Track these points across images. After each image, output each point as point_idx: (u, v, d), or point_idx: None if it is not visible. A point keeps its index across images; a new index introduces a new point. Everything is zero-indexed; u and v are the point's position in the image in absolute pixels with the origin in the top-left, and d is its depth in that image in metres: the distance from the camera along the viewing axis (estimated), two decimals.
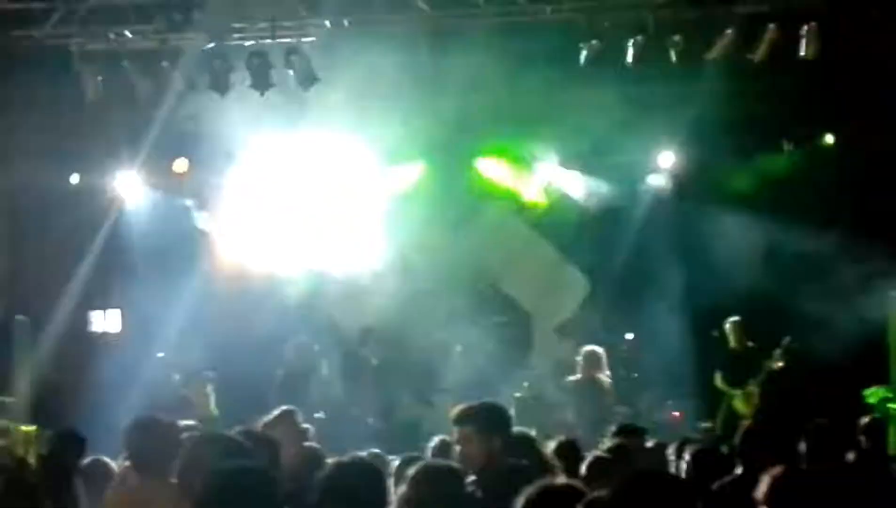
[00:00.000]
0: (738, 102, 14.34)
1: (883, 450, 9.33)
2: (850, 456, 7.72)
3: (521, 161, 16.23)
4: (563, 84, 13.95)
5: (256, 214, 15.98)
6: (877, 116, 14.49)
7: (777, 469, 4.41)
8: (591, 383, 13.87)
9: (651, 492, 3.78)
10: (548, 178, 16.31)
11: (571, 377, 14.13)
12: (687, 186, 15.65)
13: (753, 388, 14.21)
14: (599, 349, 14.02)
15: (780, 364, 14.08)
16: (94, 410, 12.30)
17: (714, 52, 13.45)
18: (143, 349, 15.09)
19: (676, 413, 14.74)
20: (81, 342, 16.17)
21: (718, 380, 14.49)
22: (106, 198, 16.12)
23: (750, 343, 14.39)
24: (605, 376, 13.99)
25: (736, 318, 14.48)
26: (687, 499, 3.81)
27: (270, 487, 4.51)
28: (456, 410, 6.37)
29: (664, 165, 15.94)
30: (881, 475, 6.16)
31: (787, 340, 13.96)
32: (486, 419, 6.29)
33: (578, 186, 16.28)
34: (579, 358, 14.06)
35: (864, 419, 9.35)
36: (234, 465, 4.69)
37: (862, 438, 8.77)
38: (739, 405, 14.30)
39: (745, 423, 9.51)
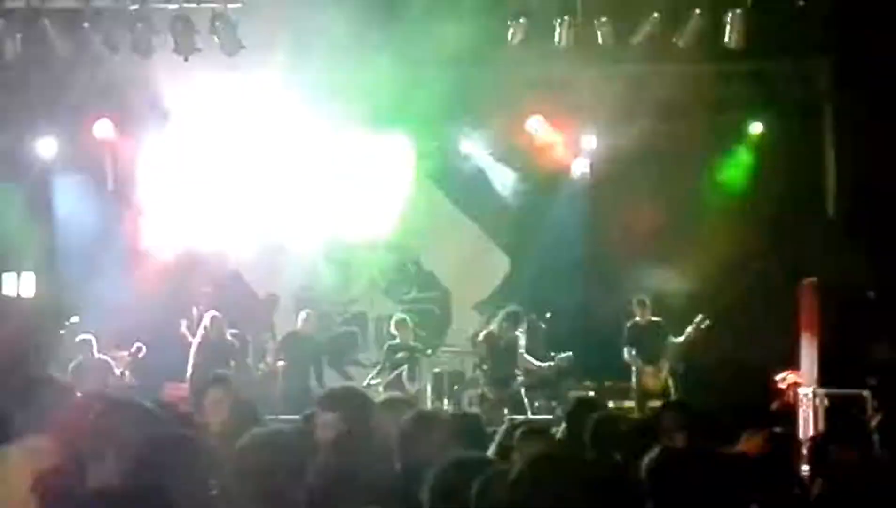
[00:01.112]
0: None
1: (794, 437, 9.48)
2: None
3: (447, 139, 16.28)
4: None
5: (184, 179, 15.74)
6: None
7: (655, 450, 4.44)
8: (502, 339, 13.86)
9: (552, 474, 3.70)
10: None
11: (484, 331, 14.14)
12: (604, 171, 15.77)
13: (663, 364, 14.34)
14: (519, 309, 14.03)
15: (691, 341, 14.20)
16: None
17: (639, 37, 13.56)
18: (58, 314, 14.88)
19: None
20: None
21: (626, 355, 14.59)
22: (26, 161, 15.80)
23: (655, 319, 14.52)
24: (519, 333, 13.96)
25: (641, 296, 14.61)
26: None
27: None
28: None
29: (587, 147, 16.04)
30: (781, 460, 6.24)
31: (699, 318, 14.09)
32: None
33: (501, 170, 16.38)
34: (498, 316, 14.06)
35: (775, 405, 9.54)
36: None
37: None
38: (649, 381, 14.41)
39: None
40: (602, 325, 14.87)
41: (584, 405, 7.95)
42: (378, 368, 14.88)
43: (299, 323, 15.12)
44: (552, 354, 14.20)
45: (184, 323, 14.91)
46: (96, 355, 13.77)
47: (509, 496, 3.63)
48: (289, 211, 16.09)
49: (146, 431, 4.77)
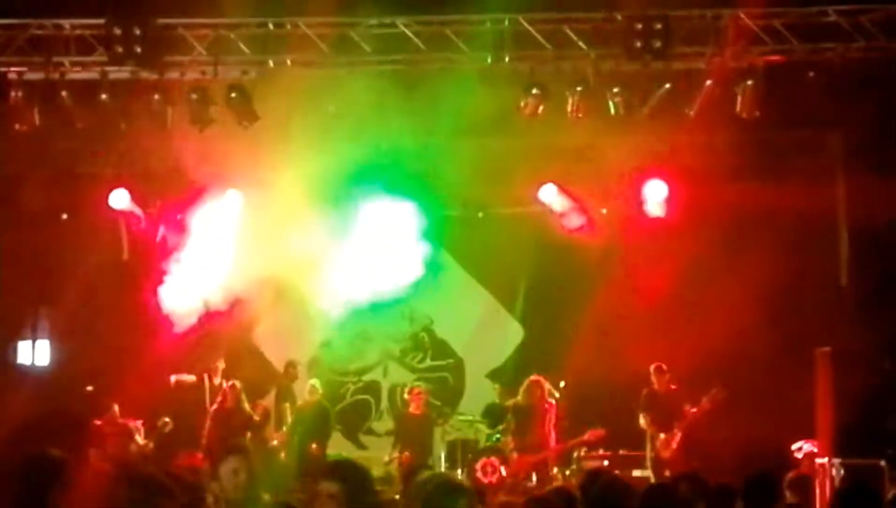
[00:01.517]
0: None
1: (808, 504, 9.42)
2: None
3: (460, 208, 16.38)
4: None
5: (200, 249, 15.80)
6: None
7: None
8: (530, 408, 13.96)
9: None
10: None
11: (511, 401, 14.23)
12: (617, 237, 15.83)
13: (677, 433, 14.27)
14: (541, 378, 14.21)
15: (706, 411, 14.14)
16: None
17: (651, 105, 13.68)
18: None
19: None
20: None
21: (642, 421, 14.53)
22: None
23: (673, 387, 14.47)
24: (548, 403, 14.15)
25: (660, 363, 14.57)
26: None
27: None
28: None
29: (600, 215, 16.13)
30: None
31: (715, 389, 14.05)
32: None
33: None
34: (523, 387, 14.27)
35: (791, 475, 9.49)
36: None
37: (788, 493, 8.87)
38: (663, 450, 14.34)
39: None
40: (615, 393, 14.81)
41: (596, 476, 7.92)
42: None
43: (306, 394, 15.17)
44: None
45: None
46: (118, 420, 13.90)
47: None
48: (304, 279, 16.15)
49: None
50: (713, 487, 7.31)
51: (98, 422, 14.17)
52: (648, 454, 14.42)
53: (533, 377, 14.54)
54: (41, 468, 5.73)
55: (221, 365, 15.28)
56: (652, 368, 14.53)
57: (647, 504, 6.21)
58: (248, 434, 14.18)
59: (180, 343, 15.33)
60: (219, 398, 14.58)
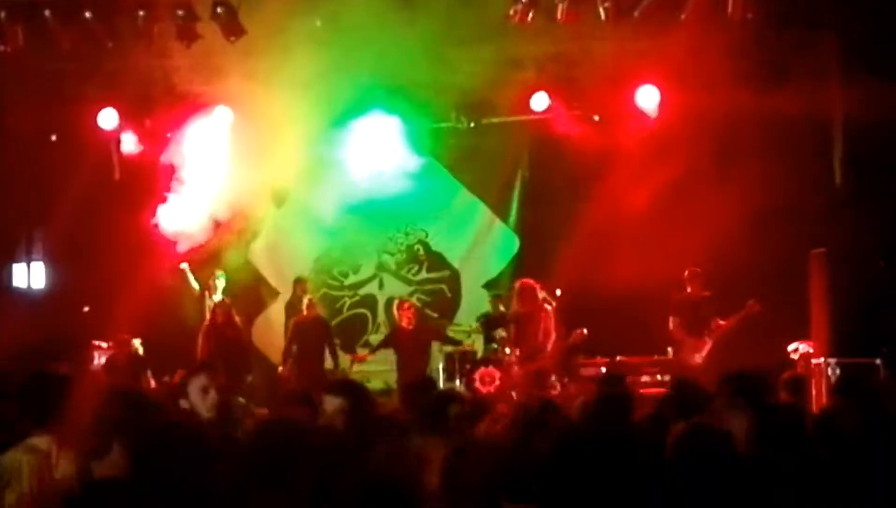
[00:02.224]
0: None
1: (803, 404, 9.48)
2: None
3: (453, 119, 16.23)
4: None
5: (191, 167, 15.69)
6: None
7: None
8: (526, 315, 14.06)
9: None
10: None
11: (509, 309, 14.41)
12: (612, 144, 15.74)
13: (707, 341, 14.31)
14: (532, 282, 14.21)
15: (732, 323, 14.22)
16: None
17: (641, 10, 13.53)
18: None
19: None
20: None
21: (671, 325, 14.59)
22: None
23: (706, 293, 14.51)
24: (544, 309, 14.20)
25: (696, 267, 14.58)
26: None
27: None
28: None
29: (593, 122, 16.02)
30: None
31: (749, 303, 14.10)
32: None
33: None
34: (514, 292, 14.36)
35: (786, 375, 9.55)
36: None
37: (782, 393, 8.93)
38: (689, 356, 14.38)
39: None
40: (612, 300, 14.82)
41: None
42: None
43: (304, 310, 15.20)
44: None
45: None
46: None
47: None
48: (297, 194, 16.11)
49: (151, 422, 4.78)
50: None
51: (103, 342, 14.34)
52: (673, 358, 14.46)
53: (524, 281, 14.48)
54: (42, 384, 5.76)
55: (220, 283, 15.30)
56: (686, 273, 14.54)
57: None
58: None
59: (176, 261, 15.32)
60: (208, 315, 14.67)
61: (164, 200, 14.99)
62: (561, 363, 14.58)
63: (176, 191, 15.07)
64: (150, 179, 15.46)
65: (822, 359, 13.53)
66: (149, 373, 14.39)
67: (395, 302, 15.51)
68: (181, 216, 14.99)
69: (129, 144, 15.87)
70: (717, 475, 4.27)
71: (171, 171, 15.25)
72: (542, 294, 14.35)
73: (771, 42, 14.87)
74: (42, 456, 5.41)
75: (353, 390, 6.51)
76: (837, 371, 13.17)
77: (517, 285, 14.51)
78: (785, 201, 14.64)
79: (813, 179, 15.04)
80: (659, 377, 14.49)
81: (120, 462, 4.77)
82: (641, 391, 12.88)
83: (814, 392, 13.29)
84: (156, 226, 14.91)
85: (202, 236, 14.96)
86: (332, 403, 6.28)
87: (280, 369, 15.29)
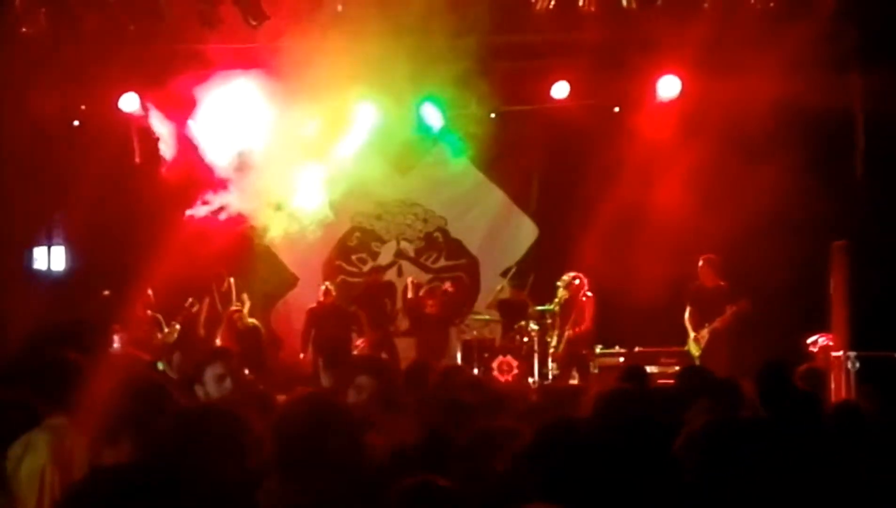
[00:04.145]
0: None
1: (818, 396, 9.44)
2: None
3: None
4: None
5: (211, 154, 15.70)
6: None
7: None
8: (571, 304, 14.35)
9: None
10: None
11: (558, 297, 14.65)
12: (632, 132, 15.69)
13: (705, 332, 14.28)
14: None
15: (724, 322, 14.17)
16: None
17: None
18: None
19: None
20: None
21: (686, 316, 14.57)
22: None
23: (721, 282, 14.46)
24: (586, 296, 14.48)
25: (711, 255, 14.55)
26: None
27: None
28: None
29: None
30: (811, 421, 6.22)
31: (741, 302, 14.06)
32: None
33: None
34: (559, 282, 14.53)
35: (803, 367, 9.52)
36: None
37: (799, 384, 8.89)
38: (692, 347, 14.39)
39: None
40: (630, 290, 14.79)
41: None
42: None
43: (321, 296, 15.25)
44: None
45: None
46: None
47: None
48: (316, 181, 16.09)
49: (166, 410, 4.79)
50: (716, 381, 7.29)
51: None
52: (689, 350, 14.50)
53: (574, 274, 14.70)
54: (59, 368, 5.78)
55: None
56: (700, 261, 14.51)
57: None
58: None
59: (195, 246, 15.33)
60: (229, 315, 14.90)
61: (194, 186, 15.00)
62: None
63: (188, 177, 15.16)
64: (173, 165, 15.49)
65: (841, 352, 13.46)
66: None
67: (422, 289, 15.59)
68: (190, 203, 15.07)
69: (150, 127, 15.88)
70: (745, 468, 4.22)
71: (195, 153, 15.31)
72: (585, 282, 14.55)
73: (792, 31, 14.79)
74: (59, 435, 5.44)
75: (385, 369, 6.66)
76: (857, 365, 13.11)
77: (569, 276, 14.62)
78: (805, 192, 14.56)
79: (834, 171, 14.97)
80: (677, 367, 14.43)
81: (130, 450, 4.77)
82: (660, 381, 12.87)
83: (833, 385, 13.24)
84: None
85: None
86: (361, 380, 6.35)
87: (301, 355, 15.36)
